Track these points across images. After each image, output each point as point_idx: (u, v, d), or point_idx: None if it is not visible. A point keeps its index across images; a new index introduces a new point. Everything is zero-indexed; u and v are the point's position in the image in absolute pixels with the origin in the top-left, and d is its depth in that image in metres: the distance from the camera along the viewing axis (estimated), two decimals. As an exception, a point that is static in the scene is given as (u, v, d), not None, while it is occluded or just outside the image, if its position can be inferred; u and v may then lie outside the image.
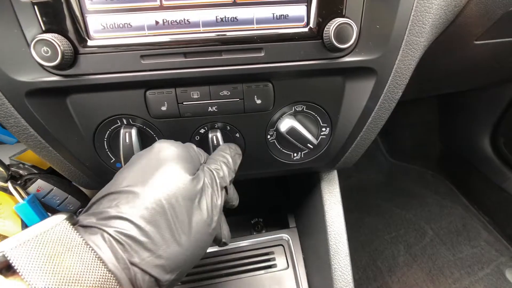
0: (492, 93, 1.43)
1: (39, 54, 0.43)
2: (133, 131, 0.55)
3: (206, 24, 0.47)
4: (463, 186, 1.76)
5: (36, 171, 0.69)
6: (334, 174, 0.74)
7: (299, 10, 0.48)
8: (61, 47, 0.43)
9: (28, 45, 0.44)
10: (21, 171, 0.67)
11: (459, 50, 0.76)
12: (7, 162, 0.70)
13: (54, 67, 0.44)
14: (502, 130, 1.47)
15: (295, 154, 0.63)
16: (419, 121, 1.85)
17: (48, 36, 0.42)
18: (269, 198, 0.96)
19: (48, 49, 0.43)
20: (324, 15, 0.47)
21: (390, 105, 0.57)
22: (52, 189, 0.70)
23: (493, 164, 1.54)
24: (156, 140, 0.58)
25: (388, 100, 0.56)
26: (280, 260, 0.79)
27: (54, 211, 0.71)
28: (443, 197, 1.75)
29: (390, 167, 1.95)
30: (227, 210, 0.54)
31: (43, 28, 0.44)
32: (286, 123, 0.57)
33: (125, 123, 0.55)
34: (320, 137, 0.61)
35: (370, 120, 0.58)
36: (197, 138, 0.59)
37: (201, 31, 0.47)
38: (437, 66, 0.83)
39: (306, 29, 0.48)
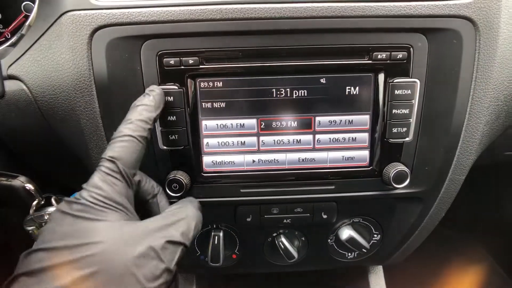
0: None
1: (169, 188, 0.57)
2: (221, 234, 0.68)
3: (290, 162, 0.61)
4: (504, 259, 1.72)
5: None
6: (380, 267, 0.83)
7: (363, 154, 0.61)
8: (185, 182, 0.58)
9: (160, 177, 0.59)
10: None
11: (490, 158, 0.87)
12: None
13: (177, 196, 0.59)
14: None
15: (349, 254, 0.74)
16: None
17: (177, 175, 0.57)
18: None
19: (177, 184, 0.57)
20: (384, 159, 0.60)
21: (434, 222, 0.68)
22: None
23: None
24: (236, 240, 0.71)
25: (432, 219, 0.67)
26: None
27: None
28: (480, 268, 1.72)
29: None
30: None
31: (172, 166, 0.59)
32: (345, 233, 0.69)
33: (215, 227, 0.69)
34: (372, 241, 0.72)
35: (417, 232, 0.69)
36: (269, 239, 0.71)
37: (286, 168, 0.61)
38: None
39: (368, 169, 0.61)
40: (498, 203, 1.65)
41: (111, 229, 0.39)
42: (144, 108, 0.49)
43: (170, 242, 0.41)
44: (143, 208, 0.54)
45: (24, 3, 0.66)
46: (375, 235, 0.71)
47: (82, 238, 0.38)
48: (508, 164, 0.93)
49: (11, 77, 0.57)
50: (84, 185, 0.43)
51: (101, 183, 0.42)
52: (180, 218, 0.45)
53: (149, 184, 0.54)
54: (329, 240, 0.71)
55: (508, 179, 1.29)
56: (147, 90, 0.52)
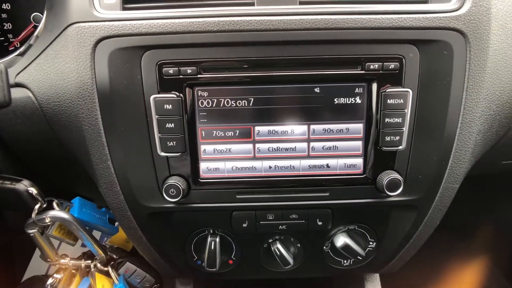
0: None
1: (167, 193, 0.59)
2: (217, 240, 0.69)
3: (285, 169, 0.62)
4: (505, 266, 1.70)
5: (124, 254, 0.84)
6: (377, 275, 0.83)
7: (357, 162, 0.62)
8: (182, 187, 0.59)
9: (158, 183, 0.61)
10: (114, 255, 0.82)
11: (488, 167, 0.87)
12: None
13: (174, 202, 0.60)
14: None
15: (345, 261, 0.74)
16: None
17: (175, 181, 0.59)
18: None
19: (174, 190, 0.59)
20: (378, 167, 0.61)
21: (429, 231, 0.68)
22: (136, 270, 0.84)
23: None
24: (233, 246, 0.72)
25: (427, 227, 0.68)
26: None
27: (133, 288, 0.85)
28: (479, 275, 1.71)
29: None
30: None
31: (170, 172, 0.61)
32: (341, 240, 0.69)
33: (211, 232, 0.70)
34: (368, 249, 0.72)
35: (412, 240, 0.70)
36: (265, 245, 0.72)
37: (281, 174, 0.63)
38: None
39: (362, 176, 0.62)
40: (497, 210, 1.63)
41: None
42: None
43: None
44: None
45: (33, 14, 0.70)
46: (371, 243, 0.72)
47: None
48: (506, 172, 0.92)
49: (18, 85, 0.60)
50: None
51: None
52: None
53: None
54: (324, 247, 0.72)
55: (507, 187, 1.29)
56: None
